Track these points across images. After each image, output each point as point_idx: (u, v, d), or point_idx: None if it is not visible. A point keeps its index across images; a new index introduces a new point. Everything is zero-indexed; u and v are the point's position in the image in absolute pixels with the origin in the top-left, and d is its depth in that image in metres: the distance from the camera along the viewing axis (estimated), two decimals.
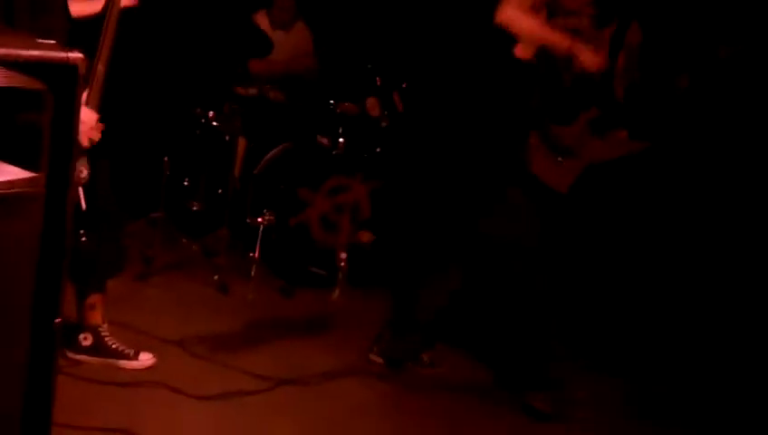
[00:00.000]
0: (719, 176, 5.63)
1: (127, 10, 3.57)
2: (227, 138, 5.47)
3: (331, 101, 5.69)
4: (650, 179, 5.29)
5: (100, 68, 3.39)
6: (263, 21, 6.08)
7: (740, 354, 4.87)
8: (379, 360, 4.34)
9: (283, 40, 6.07)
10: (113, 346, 3.92)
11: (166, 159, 5.28)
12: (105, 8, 3.50)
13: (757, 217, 5.51)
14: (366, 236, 5.62)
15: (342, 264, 5.33)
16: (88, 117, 3.33)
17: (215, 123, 5.47)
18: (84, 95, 3.28)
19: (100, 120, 3.45)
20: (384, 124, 5.73)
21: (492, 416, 4.07)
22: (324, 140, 5.59)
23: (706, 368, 4.77)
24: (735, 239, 5.53)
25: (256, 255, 5.21)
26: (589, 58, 4.24)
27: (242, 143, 5.63)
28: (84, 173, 3.42)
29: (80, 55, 2.28)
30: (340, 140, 5.52)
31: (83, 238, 3.53)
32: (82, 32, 3.43)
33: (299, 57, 6.28)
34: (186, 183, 5.57)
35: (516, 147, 4.06)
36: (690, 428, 4.24)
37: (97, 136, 3.45)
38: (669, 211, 5.45)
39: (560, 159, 5.10)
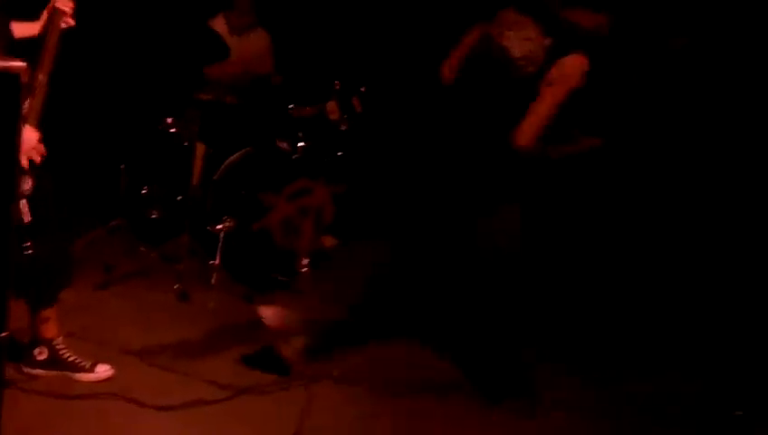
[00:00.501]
0: (679, 170, 5.66)
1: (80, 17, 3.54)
2: (186, 144, 5.42)
3: (291, 106, 5.66)
4: (611, 177, 5.29)
5: (42, 78, 3.34)
6: (220, 26, 6.02)
7: (717, 354, 4.90)
8: None
9: (240, 45, 6.02)
10: (69, 359, 3.86)
11: (123, 166, 5.22)
12: (44, 30, 3.48)
13: (721, 211, 5.55)
14: (329, 241, 5.60)
15: (304, 269, 5.30)
16: (28, 135, 3.26)
17: (173, 130, 5.42)
18: (25, 106, 3.24)
19: (47, 129, 3.39)
20: (344, 128, 5.69)
21: (463, 417, 4.04)
22: (284, 145, 5.55)
23: (682, 368, 4.77)
24: (700, 236, 5.57)
25: (217, 262, 5.16)
26: None
27: (200, 149, 5.57)
28: (28, 185, 3.36)
29: (22, 64, 2.25)
30: (300, 144, 5.49)
31: (29, 251, 3.46)
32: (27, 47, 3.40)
33: (256, 61, 6.25)
34: (144, 191, 5.51)
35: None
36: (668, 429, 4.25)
37: (37, 157, 3.38)
38: (637, 210, 5.48)
39: None
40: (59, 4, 3.51)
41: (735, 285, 5.28)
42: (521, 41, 3.76)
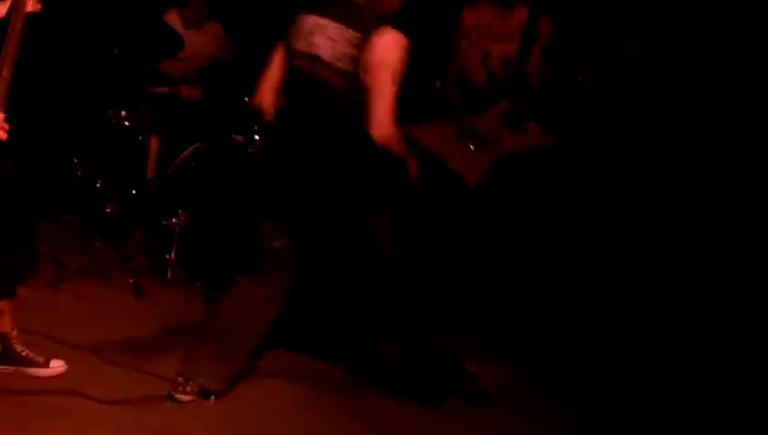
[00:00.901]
0: (627, 171, 5.74)
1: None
2: (140, 138, 5.38)
3: (246, 98, 5.63)
4: (562, 174, 5.35)
5: (5, 73, 3.30)
6: (174, 20, 5.99)
7: (649, 345, 4.97)
8: None
9: (195, 38, 5.99)
10: (23, 353, 3.82)
11: (76, 160, 5.17)
12: (9, 13, 3.43)
13: (667, 212, 5.63)
14: None
15: None
16: None
17: (126, 123, 5.38)
18: None
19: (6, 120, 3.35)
20: None
21: (413, 414, 4.04)
22: (239, 138, 5.52)
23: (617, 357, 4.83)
24: (643, 234, 5.65)
25: (172, 257, 5.13)
26: None
27: (154, 143, 5.54)
28: None
29: None
30: (256, 137, 5.46)
31: None
32: None
33: (213, 54, 6.22)
34: (98, 185, 5.46)
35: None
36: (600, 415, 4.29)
37: (2, 135, 3.35)
38: (580, 206, 5.53)
39: (472, 147, 5.16)
40: None
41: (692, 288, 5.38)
42: (327, 43, 3.64)
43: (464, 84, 5.29)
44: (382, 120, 3.60)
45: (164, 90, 5.88)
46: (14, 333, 3.83)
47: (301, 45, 3.71)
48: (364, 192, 3.80)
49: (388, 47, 3.56)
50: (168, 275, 5.09)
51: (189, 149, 5.41)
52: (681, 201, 5.65)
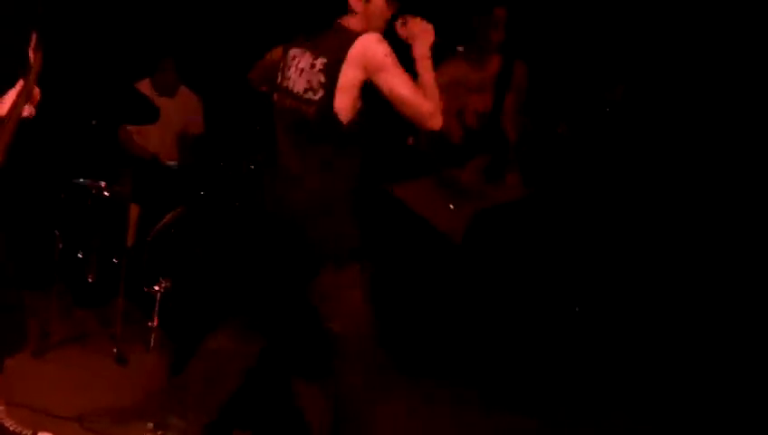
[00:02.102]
0: (611, 218, 5.81)
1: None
2: (119, 206, 5.45)
3: (221, 163, 5.71)
4: (542, 224, 5.40)
5: None
6: (146, 90, 6.09)
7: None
8: None
9: (169, 106, 6.06)
10: (10, 428, 3.85)
11: (57, 232, 5.23)
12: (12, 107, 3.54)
13: (653, 264, 5.70)
14: None
15: None
16: None
17: (106, 193, 5.44)
18: None
19: None
20: None
21: None
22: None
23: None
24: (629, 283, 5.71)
25: (155, 323, 5.18)
26: None
27: (134, 210, 5.60)
28: None
29: None
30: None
31: None
32: None
33: (187, 121, 6.31)
34: (80, 255, 5.51)
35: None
36: None
37: None
38: (562, 255, 5.59)
39: (451, 206, 5.22)
40: (30, 84, 3.57)
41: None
42: (296, 74, 3.56)
43: (440, 140, 5.33)
44: (420, 112, 3.45)
45: (142, 157, 5.98)
46: (2, 408, 3.87)
47: (279, 79, 3.66)
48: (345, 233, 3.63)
49: (368, 50, 3.42)
50: (152, 341, 5.13)
51: (168, 215, 5.49)
52: (667, 254, 5.71)
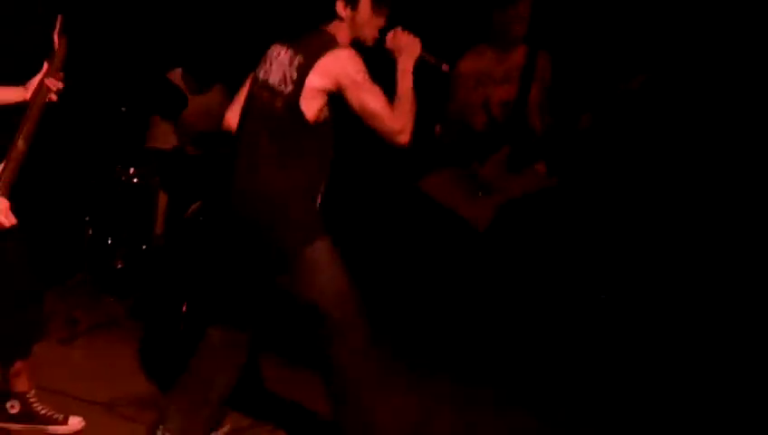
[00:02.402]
0: (632, 210, 5.79)
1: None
2: (148, 193, 5.47)
3: None
4: (565, 215, 5.39)
5: (20, 146, 3.40)
6: (179, 80, 6.08)
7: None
8: None
9: (200, 101, 6.06)
10: (42, 412, 3.89)
11: (87, 218, 5.26)
12: (34, 94, 3.56)
13: (676, 253, 5.68)
14: None
15: None
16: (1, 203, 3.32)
17: (135, 180, 5.47)
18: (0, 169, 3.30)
19: (16, 189, 3.44)
20: None
21: None
22: None
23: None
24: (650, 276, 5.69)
25: (183, 309, 5.20)
26: None
27: (163, 199, 5.63)
28: None
29: None
30: None
31: None
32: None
33: (216, 115, 6.30)
34: (109, 242, 5.54)
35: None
36: None
37: (5, 224, 3.41)
38: (584, 247, 5.58)
39: (480, 193, 5.23)
40: (49, 83, 3.59)
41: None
42: (277, 67, 3.60)
43: (465, 131, 5.34)
44: (388, 129, 3.51)
45: (170, 145, 6.01)
46: (33, 392, 3.91)
47: (260, 73, 3.70)
48: (302, 221, 3.63)
49: (338, 65, 3.48)
50: (181, 327, 5.15)
51: (196, 203, 5.50)
52: (689, 241, 5.68)
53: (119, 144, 5.64)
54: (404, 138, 3.54)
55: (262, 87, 3.64)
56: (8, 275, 3.62)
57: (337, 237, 3.66)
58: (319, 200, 3.67)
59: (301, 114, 3.49)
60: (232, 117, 3.90)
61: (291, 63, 3.54)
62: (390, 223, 5.95)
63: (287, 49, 3.61)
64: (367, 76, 3.49)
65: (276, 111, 3.54)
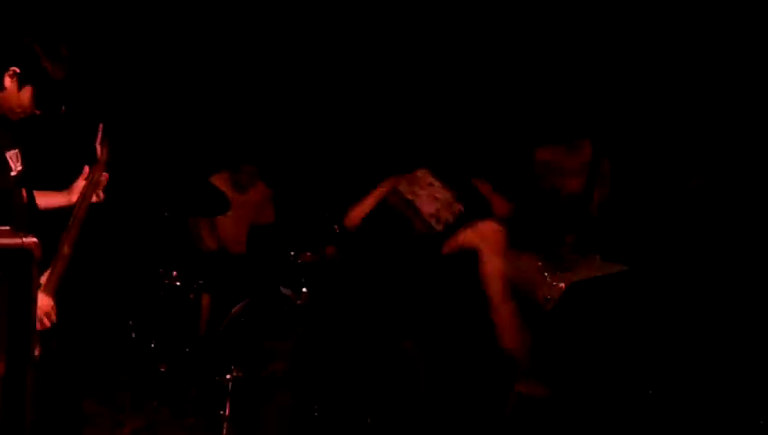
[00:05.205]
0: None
1: None
2: (191, 296, 5.52)
3: (292, 252, 5.77)
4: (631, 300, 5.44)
5: (66, 250, 3.46)
6: (222, 182, 6.17)
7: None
8: None
9: (242, 200, 6.13)
10: None
11: (131, 322, 5.31)
12: (81, 195, 3.65)
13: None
14: None
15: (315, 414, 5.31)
16: (42, 302, 3.33)
17: (177, 283, 5.52)
18: (45, 276, 3.34)
19: (61, 292, 3.48)
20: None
21: None
22: (287, 291, 5.64)
23: None
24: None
25: (227, 412, 5.19)
26: None
27: (206, 299, 5.66)
28: (35, 351, 3.42)
29: (34, 240, 2.34)
30: (304, 289, 5.57)
31: None
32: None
33: (258, 213, 6.39)
34: (152, 344, 5.58)
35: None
36: None
37: (47, 323, 3.43)
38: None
39: (551, 272, 5.36)
40: (97, 175, 3.68)
41: None
42: (429, 198, 3.79)
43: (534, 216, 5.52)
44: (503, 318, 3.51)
45: (213, 246, 6.08)
46: None
47: (403, 190, 3.94)
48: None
49: (490, 232, 3.56)
50: (224, 431, 5.14)
51: (239, 304, 5.54)
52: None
53: (162, 247, 5.70)
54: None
55: (404, 204, 3.93)
56: (49, 378, 3.64)
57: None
58: None
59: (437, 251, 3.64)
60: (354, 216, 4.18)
61: (449, 206, 3.83)
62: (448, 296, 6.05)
63: (442, 187, 3.91)
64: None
65: (418, 236, 3.85)
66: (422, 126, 4.15)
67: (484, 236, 3.54)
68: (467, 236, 3.49)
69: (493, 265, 3.53)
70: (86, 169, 3.77)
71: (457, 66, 6.43)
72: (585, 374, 5.29)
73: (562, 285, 5.38)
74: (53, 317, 3.42)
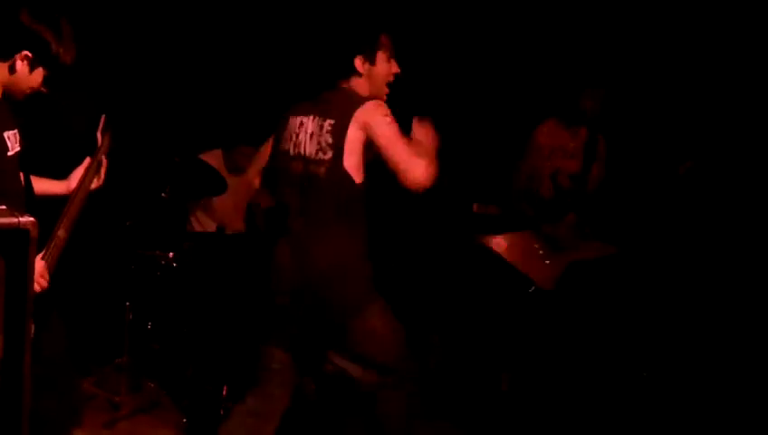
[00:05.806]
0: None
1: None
2: (188, 276, 5.49)
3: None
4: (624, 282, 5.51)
5: (61, 233, 3.44)
6: (215, 162, 6.11)
7: None
8: None
9: (236, 183, 6.11)
10: None
11: (127, 303, 5.29)
12: (81, 180, 3.65)
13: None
14: None
15: None
16: (38, 265, 3.33)
17: (175, 264, 5.50)
18: (41, 255, 3.32)
19: (56, 275, 3.46)
20: None
21: None
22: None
23: None
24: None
25: (224, 393, 5.19)
26: None
27: (201, 281, 5.64)
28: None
29: (31, 219, 2.33)
30: None
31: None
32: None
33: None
34: (149, 326, 5.56)
35: None
36: None
37: (44, 283, 3.42)
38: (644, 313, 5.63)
39: (547, 262, 5.40)
40: (97, 163, 3.71)
41: None
42: (308, 139, 3.75)
43: (531, 195, 5.66)
44: (407, 168, 3.56)
45: (211, 226, 6.06)
46: None
47: (286, 147, 3.83)
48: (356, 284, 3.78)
49: (369, 111, 3.60)
50: (221, 411, 5.14)
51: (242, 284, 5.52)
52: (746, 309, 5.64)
53: (158, 228, 5.68)
54: (426, 176, 3.58)
55: (296, 160, 3.76)
56: (45, 361, 3.62)
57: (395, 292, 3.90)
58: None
59: (346, 177, 3.62)
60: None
61: (321, 129, 3.68)
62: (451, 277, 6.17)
63: (312, 117, 3.74)
64: (393, 121, 3.61)
65: (321, 177, 3.65)
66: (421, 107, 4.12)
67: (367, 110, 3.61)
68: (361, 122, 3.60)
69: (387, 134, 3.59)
70: (87, 159, 3.77)
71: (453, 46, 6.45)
72: (583, 354, 5.37)
73: (561, 265, 5.47)
74: (44, 283, 3.39)
